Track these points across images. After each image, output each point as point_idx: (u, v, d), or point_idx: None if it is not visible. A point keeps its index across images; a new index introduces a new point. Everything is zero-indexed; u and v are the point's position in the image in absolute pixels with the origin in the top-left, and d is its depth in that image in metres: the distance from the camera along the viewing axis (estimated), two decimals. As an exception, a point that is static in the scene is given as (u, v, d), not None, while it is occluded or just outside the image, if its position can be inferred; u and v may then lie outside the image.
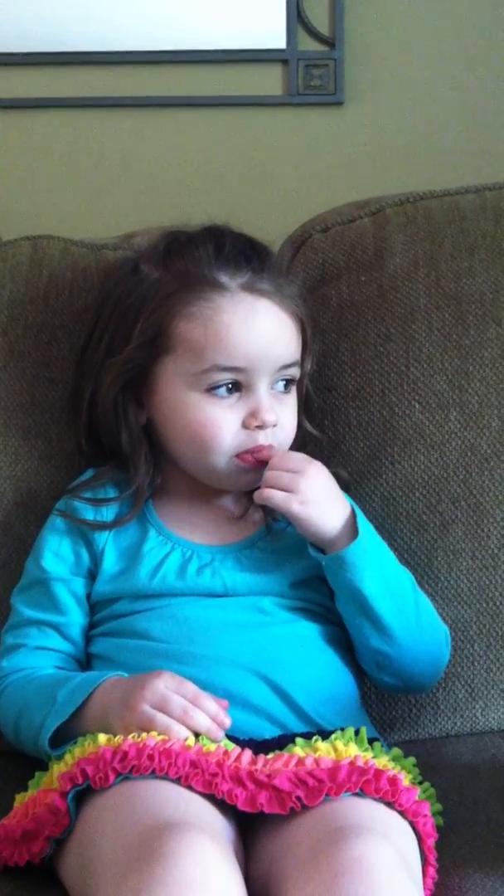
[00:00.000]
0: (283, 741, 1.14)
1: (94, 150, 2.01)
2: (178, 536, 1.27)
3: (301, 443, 1.33)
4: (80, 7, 2.01)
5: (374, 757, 1.10)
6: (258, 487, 1.23)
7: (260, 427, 1.23)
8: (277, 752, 1.10)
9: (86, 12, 2.01)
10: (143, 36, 2.02)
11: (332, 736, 1.12)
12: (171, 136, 2.02)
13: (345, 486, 1.36)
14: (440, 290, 1.41)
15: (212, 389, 1.23)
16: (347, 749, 1.09)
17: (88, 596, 1.27)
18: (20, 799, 1.13)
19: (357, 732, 1.14)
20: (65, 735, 1.14)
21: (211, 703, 1.11)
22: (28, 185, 2.00)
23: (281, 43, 2.05)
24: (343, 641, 1.27)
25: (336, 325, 1.42)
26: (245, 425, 1.24)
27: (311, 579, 1.26)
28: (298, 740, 1.12)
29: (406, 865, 0.99)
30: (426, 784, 1.15)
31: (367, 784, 1.04)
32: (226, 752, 1.08)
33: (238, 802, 1.03)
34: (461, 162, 1.97)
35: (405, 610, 1.25)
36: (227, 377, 1.23)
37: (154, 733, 1.08)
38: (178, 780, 1.04)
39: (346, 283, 1.44)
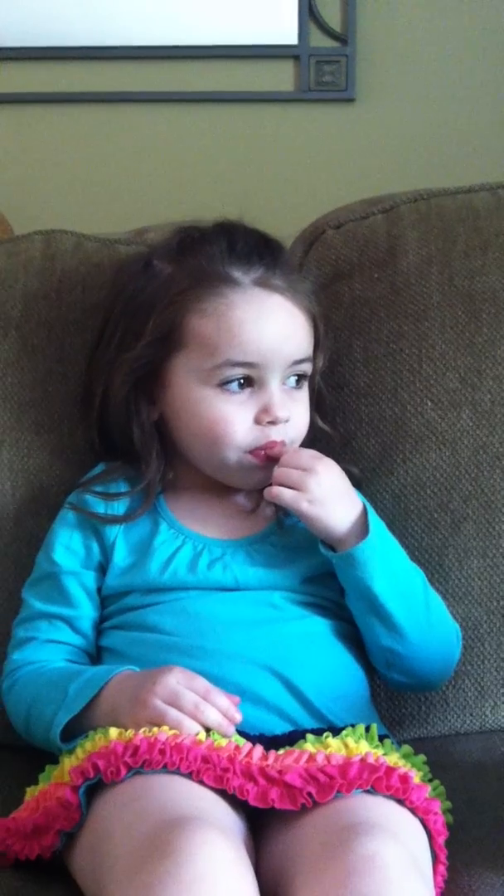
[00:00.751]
0: (293, 737, 1.14)
1: (107, 145, 2.01)
2: (190, 530, 1.27)
3: (312, 439, 1.33)
4: (93, 5, 2.01)
5: (384, 754, 1.10)
6: (270, 484, 1.23)
7: (272, 423, 1.23)
8: (288, 748, 1.10)
9: (99, 10, 2.02)
10: (156, 32, 2.02)
11: (343, 732, 1.13)
12: (183, 131, 2.02)
13: (356, 483, 1.36)
14: (453, 288, 1.41)
15: (224, 385, 1.23)
16: (358, 746, 1.09)
17: (99, 589, 1.27)
18: (31, 793, 1.14)
19: (368, 729, 1.14)
20: (76, 729, 1.15)
21: (222, 699, 1.11)
22: (41, 179, 2.00)
23: (293, 39, 2.05)
24: (354, 638, 1.26)
25: (348, 323, 1.42)
26: (257, 421, 1.24)
27: (323, 575, 1.26)
28: (309, 736, 1.12)
29: (417, 864, 0.98)
30: (436, 782, 1.14)
31: (378, 781, 1.04)
32: (237, 748, 1.08)
33: (249, 798, 1.03)
34: (474, 159, 1.97)
35: (416, 608, 1.25)
36: (239, 372, 1.23)
37: (165, 728, 1.08)
38: (189, 776, 1.04)
39: (359, 280, 1.43)
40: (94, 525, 1.28)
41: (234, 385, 1.23)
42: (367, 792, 1.04)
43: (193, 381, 1.24)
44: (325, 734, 1.12)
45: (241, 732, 1.12)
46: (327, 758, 1.07)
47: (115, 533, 1.27)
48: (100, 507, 1.28)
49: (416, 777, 1.09)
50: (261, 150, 2.02)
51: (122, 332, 1.28)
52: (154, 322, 1.25)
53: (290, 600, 1.24)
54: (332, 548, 1.23)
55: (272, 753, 1.09)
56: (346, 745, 1.09)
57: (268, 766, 1.06)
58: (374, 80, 2.04)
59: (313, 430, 1.32)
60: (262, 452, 1.24)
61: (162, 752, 1.04)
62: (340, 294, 1.43)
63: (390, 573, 1.22)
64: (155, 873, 0.92)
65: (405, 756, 1.14)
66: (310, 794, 1.03)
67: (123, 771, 1.04)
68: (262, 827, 1.07)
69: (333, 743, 1.10)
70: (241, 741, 1.10)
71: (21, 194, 1.98)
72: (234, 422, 1.23)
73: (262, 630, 1.21)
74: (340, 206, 1.51)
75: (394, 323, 1.41)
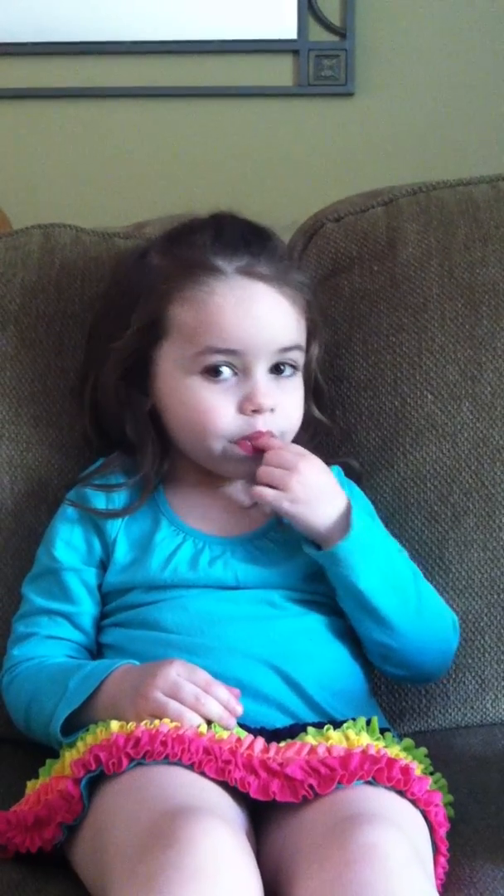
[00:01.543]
0: (294, 730, 1.14)
1: (106, 139, 2.01)
2: (190, 527, 1.27)
3: (312, 431, 1.32)
4: (93, 0, 2.01)
5: (385, 746, 1.10)
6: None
7: (256, 412, 1.23)
8: (289, 740, 1.10)
9: (98, 5, 2.02)
10: (155, 26, 2.02)
11: (344, 725, 1.12)
12: (182, 125, 2.02)
13: (356, 476, 1.36)
14: (453, 281, 1.41)
15: (207, 373, 1.23)
16: (359, 738, 1.09)
17: (100, 586, 1.27)
18: (31, 786, 1.13)
19: (369, 723, 1.14)
20: (76, 723, 1.14)
21: (223, 691, 1.11)
22: (40, 174, 2.00)
23: (292, 33, 2.05)
24: (353, 633, 1.26)
25: (348, 315, 1.42)
26: (241, 410, 1.23)
27: (322, 572, 1.25)
28: (310, 729, 1.12)
29: (417, 854, 0.98)
30: (437, 775, 1.14)
31: (379, 773, 1.04)
32: (238, 740, 1.08)
33: (251, 791, 1.03)
34: (474, 151, 1.97)
35: (406, 602, 1.24)
36: (221, 360, 1.22)
37: (167, 720, 1.08)
38: (190, 767, 1.04)
39: (359, 272, 1.43)
40: (95, 521, 1.27)
41: (219, 373, 1.22)
42: (369, 783, 1.04)
43: (178, 369, 1.24)
44: (326, 727, 1.12)
45: (242, 726, 1.12)
46: (328, 750, 1.07)
47: (116, 529, 1.27)
48: (100, 500, 1.28)
49: (417, 769, 1.09)
50: (260, 144, 2.02)
51: (113, 322, 1.29)
52: (139, 311, 1.25)
53: (289, 598, 1.24)
54: (318, 546, 1.23)
55: (273, 746, 1.09)
56: (348, 738, 1.09)
57: (269, 758, 1.06)
58: (374, 75, 2.04)
59: (309, 420, 1.31)
60: (248, 443, 1.23)
61: (164, 743, 1.04)
62: (340, 287, 1.43)
63: (375, 569, 1.22)
64: (157, 862, 0.92)
65: (406, 749, 1.14)
66: (311, 787, 1.03)
67: (125, 762, 1.03)
68: (263, 818, 1.06)
69: (334, 735, 1.10)
70: (243, 733, 1.10)
71: (20, 188, 1.98)
72: (217, 409, 1.22)
73: (262, 626, 1.21)
74: (340, 200, 1.51)
75: (394, 316, 1.41)
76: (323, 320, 1.33)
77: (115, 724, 1.09)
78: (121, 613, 1.25)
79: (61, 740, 1.15)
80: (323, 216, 1.49)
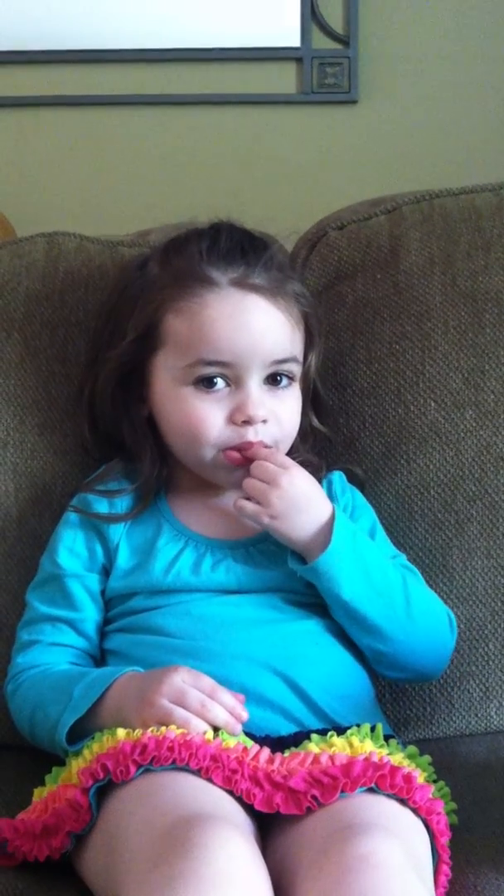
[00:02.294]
0: (298, 738, 1.14)
1: (110, 147, 2.02)
2: (192, 531, 1.27)
3: (311, 441, 1.33)
4: (95, 8, 2.02)
5: (389, 754, 1.10)
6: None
7: (247, 422, 1.23)
8: (293, 749, 1.10)
9: (101, 12, 2.02)
10: (159, 35, 2.03)
11: (348, 732, 1.13)
12: (185, 133, 2.02)
13: (360, 483, 1.36)
14: (456, 289, 1.41)
15: (200, 383, 1.23)
16: (363, 745, 1.09)
17: (103, 592, 1.27)
18: (38, 793, 1.14)
19: (373, 729, 1.14)
20: (81, 731, 1.14)
21: (228, 697, 1.11)
22: (44, 182, 2.00)
23: (295, 41, 2.05)
24: (355, 636, 1.27)
25: (351, 323, 1.42)
26: (232, 420, 1.23)
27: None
28: (314, 737, 1.12)
29: (415, 863, 0.98)
30: (441, 783, 1.14)
31: (381, 779, 1.04)
32: (244, 749, 1.08)
33: (255, 803, 1.04)
34: (477, 160, 1.97)
35: (394, 607, 1.23)
36: (213, 371, 1.23)
37: (173, 727, 1.08)
38: (198, 773, 1.04)
39: (362, 280, 1.44)
40: (97, 527, 1.28)
41: (211, 384, 1.23)
42: (371, 790, 1.04)
43: (171, 380, 1.25)
44: (330, 734, 1.12)
45: (247, 734, 1.12)
46: (331, 758, 1.07)
47: (118, 535, 1.27)
48: (102, 506, 1.28)
49: (420, 777, 1.09)
50: (264, 152, 2.02)
51: (111, 330, 1.30)
52: (134, 321, 1.26)
53: (292, 602, 1.24)
54: (303, 558, 1.23)
55: (278, 756, 1.09)
56: (351, 745, 1.10)
57: (273, 770, 1.06)
58: (377, 82, 2.04)
59: (307, 430, 1.32)
60: (237, 453, 1.23)
61: (171, 748, 1.04)
62: (343, 295, 1.44)
63: (359, 578, 1.22)
64: (174, 869, 0.92)
65: (410, 756, 1.14)
66: (314, 797, 1.03)
67: (133, 769, 1.03)
68: (266, 826, 1.06)
69: (338, 742, 1.10)
70: (249, 742, 1.10)
71: (24, 197, 1.98)
72: (207, 419, 1.23)
73: (266, 631, 1.21)
74: (343, 208, 1.52)
75: (397, 323, 1.41)
76: (323, 330, 1.33)
77: (121, 732, 1.09)
78: (124, 619, 1.26)
79: (67, 748, 1.15)
80: (326, 224, 1.49)
